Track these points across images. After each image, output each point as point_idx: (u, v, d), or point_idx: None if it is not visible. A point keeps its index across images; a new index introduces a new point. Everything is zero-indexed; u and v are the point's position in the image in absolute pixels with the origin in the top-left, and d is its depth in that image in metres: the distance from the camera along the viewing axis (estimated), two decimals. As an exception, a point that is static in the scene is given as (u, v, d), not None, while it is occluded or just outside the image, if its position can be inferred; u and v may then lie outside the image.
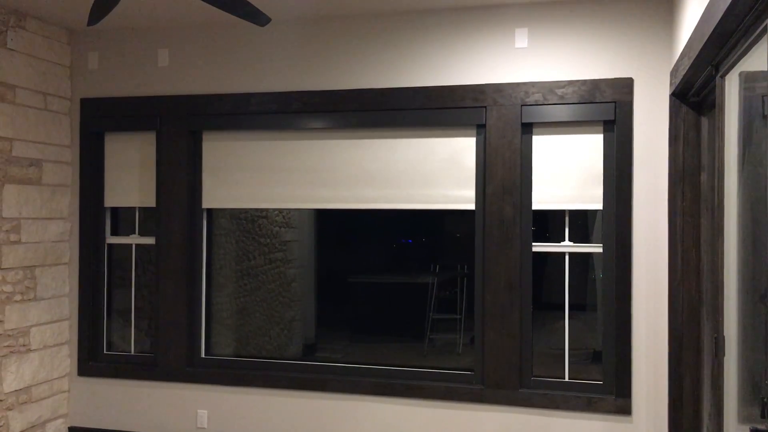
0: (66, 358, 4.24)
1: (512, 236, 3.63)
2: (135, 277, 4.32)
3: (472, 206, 3.74)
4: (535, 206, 3.66)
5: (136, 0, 3.63)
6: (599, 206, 3.59)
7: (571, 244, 3.66)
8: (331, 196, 3.93)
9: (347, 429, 3.86)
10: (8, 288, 3.80)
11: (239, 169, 4.07)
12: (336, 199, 3.93)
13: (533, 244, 3.68)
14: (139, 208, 4.24)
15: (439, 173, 3.79)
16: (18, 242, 3.86)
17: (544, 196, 3.66)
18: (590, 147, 3.61)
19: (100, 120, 4.23)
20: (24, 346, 3.91)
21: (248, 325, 4.33)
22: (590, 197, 3.60)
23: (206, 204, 4.12)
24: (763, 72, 1.94)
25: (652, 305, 3.49)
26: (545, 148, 3.67)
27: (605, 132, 3.59)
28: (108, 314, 4.34)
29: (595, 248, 3.65)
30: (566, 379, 3.67)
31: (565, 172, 3.64)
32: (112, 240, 4.33)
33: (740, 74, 2.27)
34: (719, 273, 2.46)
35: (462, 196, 3.76)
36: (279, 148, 4.02)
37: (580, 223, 3.79)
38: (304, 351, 4.41)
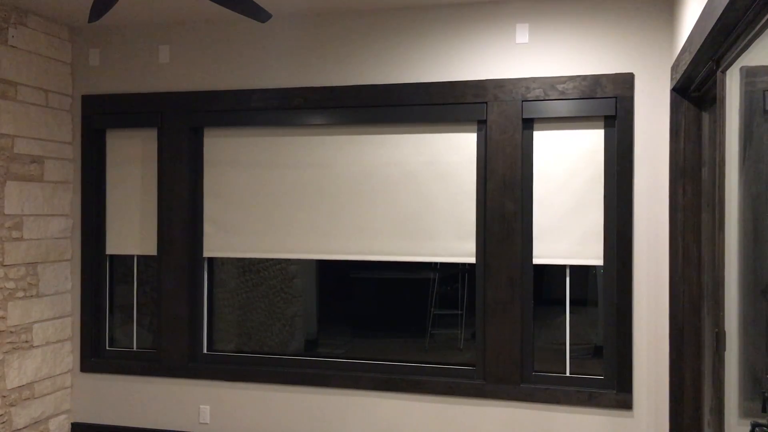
0: (68, 355, 4.25)
1: (513, 232, 3.64)
2: (137, 273, 4.33)
3: (472, 258, 3.75)
4: (536, 261, 3.66)
5: (136, -4, 3.64)
6: (600, 262, 3.62)
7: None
8: (335, 246, 3.95)
9: (349, 424, 3.87)
10: (11, 284, 3.81)
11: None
12: (340, 250, 3.94)
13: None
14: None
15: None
16: (20, 239, 3.87)
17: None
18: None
19: (101, 117, 4.23)
20: (26, 342, 3.92)
21: (250, 321, 4.34)
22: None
23: (207, 252, 4.14)
24: (764, 67, 1.94)
25: (653, 300, 3.50)
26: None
27: (606, 127, 3.59)
28: (110, 310, 4.35)
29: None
30: (567, 374, 3.68)
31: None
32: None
33: (741, 69, 2.26)
34: (720, 268, 2.46)
35: (462, 247, 3.76)
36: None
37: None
38: (305, 347, 4.42)
